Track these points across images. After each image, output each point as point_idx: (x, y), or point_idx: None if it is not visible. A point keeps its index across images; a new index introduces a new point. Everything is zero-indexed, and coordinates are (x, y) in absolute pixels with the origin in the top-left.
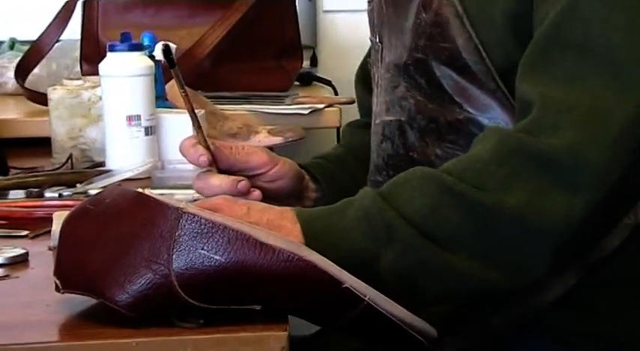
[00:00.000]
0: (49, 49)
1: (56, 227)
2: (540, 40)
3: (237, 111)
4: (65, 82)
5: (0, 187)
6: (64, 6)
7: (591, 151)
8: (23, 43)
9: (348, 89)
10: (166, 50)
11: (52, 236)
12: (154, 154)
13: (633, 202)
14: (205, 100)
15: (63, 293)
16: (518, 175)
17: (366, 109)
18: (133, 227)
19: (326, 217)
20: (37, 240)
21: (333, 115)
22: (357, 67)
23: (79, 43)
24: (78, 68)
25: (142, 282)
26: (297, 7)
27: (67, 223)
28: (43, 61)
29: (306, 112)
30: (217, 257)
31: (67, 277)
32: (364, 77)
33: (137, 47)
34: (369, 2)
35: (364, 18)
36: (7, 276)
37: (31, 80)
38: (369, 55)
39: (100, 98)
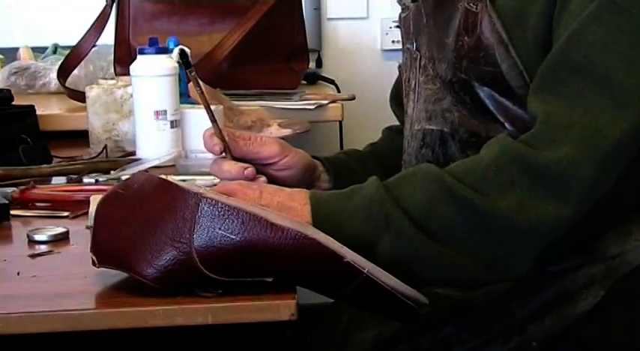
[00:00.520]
0: (87, 53)
1: (93, 209)
2: (550, 62)
3: (252, 107)
4: (101, 81)
5: (44, 174)
6: (99, 15)
7: (583, 166)
8: (64, 48)
9: (349, 87)
10: (182, 54)
11: (89, 216)
12: (178, 144)
13: (626, 211)
14: (224, 97)
15: (98, 268)
16: (513, 183)
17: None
18: (158, 210)
19: (334, 201)
20: (77, 220)
21: (336, 110)
22: (356, 68)
23: (112, 47)
24: (112, 69)
25: (167, 258)
26: (304, 15)
27: (100, 206)
28: (82, 64)
29: (312, 107)
30: (233, 236)
31: (102, 253)
32: (396, 96)
33: (163, 51)
34: (403, 9)
35: (363, 25)
36: (50, 251)
37: (71, 80)
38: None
39: (131, 96)
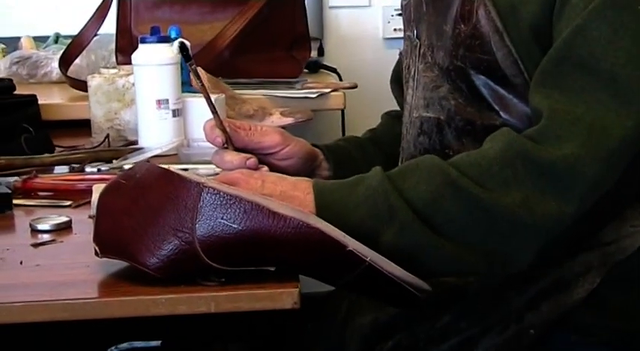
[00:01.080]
0: (89, 42)
1: (95, 198)
2: (553, 56)
3: (254, 95)
4: (102, 70)
5: (46, 163)
6: (101, 4)
7: (587, 163)
8: (66, 37)
9: (351, 75)
10: (182, 47)
11: (91, 206)
12: (180, 133)
13: (626, 205)
14: (225, 86)
15: (101, 258)
16: (517, 178)
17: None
18: (160, 200)
19: (337, 190)
20: (79, 209)
21: (338, 98)
22: (358, 56)
23: (114, 36)
24: (114, 59)
25: (170, 248)
26: (306, 4)
27: (103, 196)
28: (83, 53)
29: (314, 95)
30: (235, 225)
31: (104, 244)
32: (397, 78)
33: (165, 39)
34: None
35: (364, 13)
36: (53, 241)
37: (72, 70)
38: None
39: (133, 85)
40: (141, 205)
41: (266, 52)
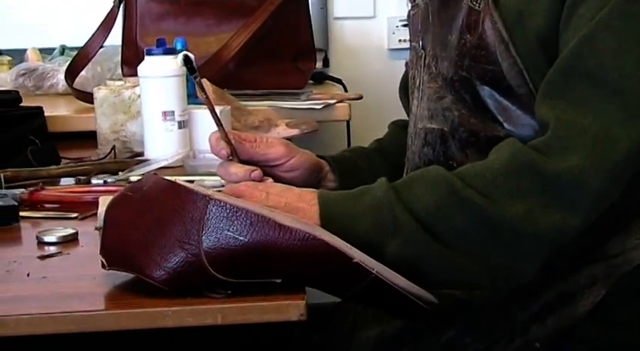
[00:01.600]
0: (95, 54)
1: (102, 210)
2: (560, 67)
3: (259, 107)
4: (108, 82)
5: (53, 175)
6: (106, 16)
7: (592, 176)
8: (72, 49)
9: (357, 86)
10: (186, 59)
11: (98, 218)
12: (186, 145)
13: (631, 217)
14: (231, 98)
15: (108, 270)
16: (522, 189)
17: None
18: (166, 212)
19: (343, 202)
20: (86, 221)
21: (343, 109)
22: (363, 67)
23: (120, 48)
24: (119, 70)
25: (176, 260)
26: (311, 15)
27: (109, 209)
28: (89, 65)
29: (319, 107)
30: (241, 238)
31: (111, 256)
32: (405, 88)
33: (171, 51)
34: (412, 7)
35: (369, 24)
36: (59, 253)
37: (78, 81)
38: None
39: (139, 96)
40: (147, 217)
41: (271, 64)
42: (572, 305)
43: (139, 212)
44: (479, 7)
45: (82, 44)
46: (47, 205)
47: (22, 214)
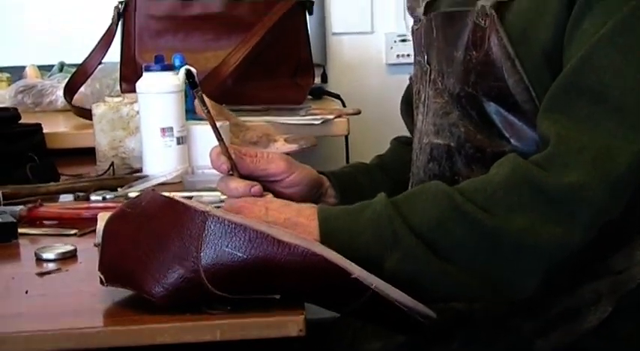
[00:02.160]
0: (93, 71)
1: (100, 226)
2: (562, 82)
3: (258, 122)
4: (107, 99)
5: (51, 192)
6: (105, 33)
7: (593, 191)
8: (71, 65)
9: (355, 102)
10: (189, 74)
11: (97, 234)
12: (184, 161)
13: (635, 233)
14: (229, 113)
15: (107, 286)
16: (522, 204)
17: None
18: (165, 229)
19: (342, 217)
20: (84, 238)
21: (342, 124)
22: (361, 82)
23: (118, 65)
24: (118, 87)
25: (175, 276)
26: (309, 30)
27: (108, 225)
28: (88, 81)
29: (317, 122)
30: (240, 254)
31: (110, 272)
32: (407, 103)
33: (169, 68)
34: (415, 22)
35: (367, 39)
36: (58, 269)
37: (77, 98)
38: (410, 85)
39: (138, 113)
40: (146, 234)
41: (270, 79)
42: (577, 321)
43: (138, 228)
44: (485, 23)
45: (80, 61)
46: (46, 222)
47: (20, 230)
